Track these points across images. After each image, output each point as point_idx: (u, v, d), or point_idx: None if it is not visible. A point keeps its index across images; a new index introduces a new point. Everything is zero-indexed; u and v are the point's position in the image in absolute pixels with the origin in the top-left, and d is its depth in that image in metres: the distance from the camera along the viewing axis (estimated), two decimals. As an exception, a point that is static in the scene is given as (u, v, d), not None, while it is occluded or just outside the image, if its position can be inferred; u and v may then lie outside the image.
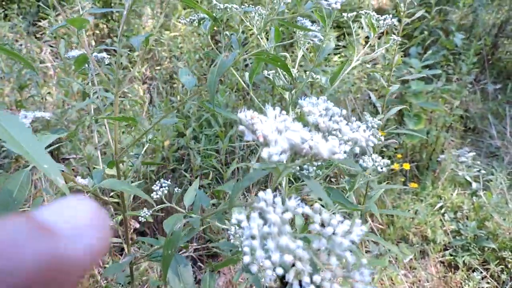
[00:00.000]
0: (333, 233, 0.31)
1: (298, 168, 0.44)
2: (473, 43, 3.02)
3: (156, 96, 3.26)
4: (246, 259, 0.31)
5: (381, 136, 0.79)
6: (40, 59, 3.37)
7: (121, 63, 3.30)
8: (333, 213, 0.33)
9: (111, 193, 1.53)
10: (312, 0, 0.56)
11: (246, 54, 0.64)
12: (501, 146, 3.91)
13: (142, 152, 0.98)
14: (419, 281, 2.22)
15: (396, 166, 2.63)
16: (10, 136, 0.36)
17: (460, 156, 2.64)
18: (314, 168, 0.65)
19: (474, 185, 2.60)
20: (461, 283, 2.16)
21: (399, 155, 2.82)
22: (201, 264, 2.38)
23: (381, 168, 0.71)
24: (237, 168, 2.21)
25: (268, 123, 0.36)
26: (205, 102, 0.73)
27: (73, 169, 2.43)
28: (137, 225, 2.05)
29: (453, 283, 2.18)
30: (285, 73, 0.78)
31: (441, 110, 2.92)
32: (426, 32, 3.55)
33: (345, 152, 0.38)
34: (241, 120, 0.36)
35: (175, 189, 0.79)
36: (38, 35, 3.87)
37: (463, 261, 2.26)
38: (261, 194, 0.33)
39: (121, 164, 1.78)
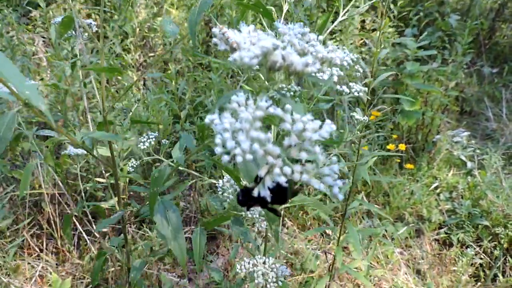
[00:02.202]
0: (303, 129, 0.32)
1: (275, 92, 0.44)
2: (468, 23, 3.01)
3: (152, 83, 3.25)
4: (218, 150, 0.32)
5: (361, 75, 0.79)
6: (32, 50, 3.35)
7: (114, 51, 3.28)
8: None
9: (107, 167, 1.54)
10: None
11: None
12: (496, 129, 3.93)
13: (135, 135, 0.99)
14: (414, 258, 2.25)
15: (391, 147, 2.64)
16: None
17: (455, 136, 2.66)
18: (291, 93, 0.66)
19: (469, 164, 2.62)
20: (455, 260, 2.19)
21: (394, 136, 2.84)
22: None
23: (357, 93, 0.72)
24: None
25: (242, 35, 0.36)
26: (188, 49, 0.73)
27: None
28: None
29: (447, 259, 2.21)
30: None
31: (437, 92, 2.92)
32: (422, 14, 3.54)
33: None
34: (215, 33, 0.37)
35: (163, 141, 0.80)
36: (29, 27, 3.84)
37: (457, 238, 2.29)
38: (233, 97, 0.34)
39: (120, 153, 1.79)
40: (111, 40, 3.36)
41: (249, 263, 0.81)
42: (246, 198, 0.38)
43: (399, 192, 2.58)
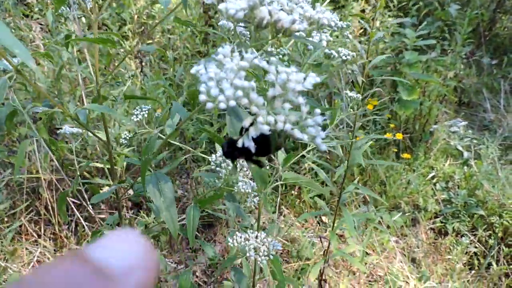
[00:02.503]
0: (287, 80, 0.32)
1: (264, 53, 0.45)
2: (467, 12, 2.99)
3: (149, 71, 3.24)
4: (202, 97, 0.33)
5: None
6: (30, 37, 3.32)
7: (113, 38, 3.26)
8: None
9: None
10: None
11: None
12: (494, 120, 3.94)
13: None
14: (410, 247, 2.27)
15: (389, 136, 2.65)
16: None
17: (452, 126, 2.66)
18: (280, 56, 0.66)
19: (466, 154, 2.63)
20: (450, 248, 2.21)
21: (392, 125, 2.84)
22: (197, 233, 2.41)
23: (345, 57, 0.72)
24: (227, 133, 2.21)
25: None
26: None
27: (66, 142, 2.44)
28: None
29: (442, 248, 2.23)
30: None
31: (435, 82, 2.92)
32: (421, 3, 3.52)
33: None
34: None
35: (156, 113, 0.80)
36: (27, 12, 3.80)
37: (453, 227, 2.31)
38: (219, 48, 0.35)
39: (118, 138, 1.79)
40: (109, 28, 3.34)
41: (241, 237, 0.83)
42: (231, 149, 0.39)
43: (396, 181, 2.59)
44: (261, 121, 0.32)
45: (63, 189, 2.36)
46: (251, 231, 0.82)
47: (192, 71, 0.35)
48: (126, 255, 0.19)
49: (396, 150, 2.85)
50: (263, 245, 0.79)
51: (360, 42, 3.50)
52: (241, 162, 0.80)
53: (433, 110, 3.11)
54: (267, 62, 0.33)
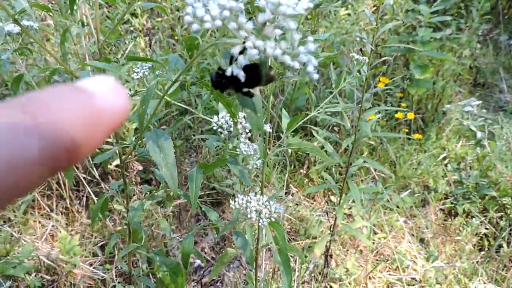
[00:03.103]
0: (278, 4, 0.31)
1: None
2: (486, -12, 2.88)
3: (159, 49, 3.22)
4: (187, 18, 0.32)
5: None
6: (41, 16, 3.31)
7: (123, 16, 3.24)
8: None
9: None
10: None
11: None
12: (510, 101, 3.84)
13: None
14: (419, 227, 2.25)
15: (400, 116, 2.61)
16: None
17: (466, 106, 2.60)
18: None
19: (479, 134, 2.57)
20: (459, 229, 2.19)
21: (403, 104, 2.79)
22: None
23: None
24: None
25: None
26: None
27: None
28: (140, 167, 2.09)
29: (451, 229, 2.21)
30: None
31: (449, 60, 2.84)
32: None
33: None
34: None
35: (157, 72, 0.79)
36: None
37: (463, 208, 2.28)
38: None
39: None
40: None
41: (242, 199, 0.82)
42: (219, 79, 0.37)
43: (406, 161, 2.56)
44: (250, 46, 0.31)
45: (76, 166, 2.39)
46: (253, 193, 0.82)
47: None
48: (105, 84, 0.24)
49: (407, 130, 2.81)
50: (265, 208, 0.79)
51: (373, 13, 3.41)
52: (243, 122, 0.79)
53: (447, 90, 3.04)
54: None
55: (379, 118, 1.15)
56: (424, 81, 2.74)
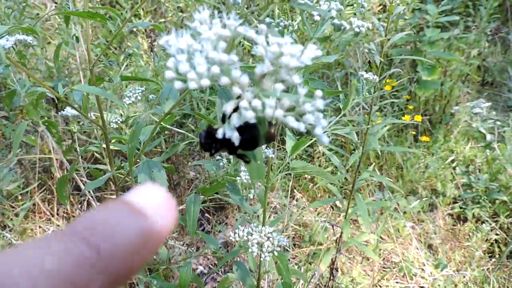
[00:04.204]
0: (280, 54, 0.26)
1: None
2: (495, -14, 2.81)
3: (161, 50, 3.18)
4: (169, 74, 0.27)
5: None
6: (46, 16, 3.29)
7: (125, 17, 3.20)
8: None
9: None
10: None
11: None
12: (519, 101, 3.76)
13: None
14: (427, 233, 2.20)
15: (407, 118, 2.55)
16: None
17: (474, 107, 2.53)
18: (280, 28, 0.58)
19: (488, 137, 2.51)
20: (469, 235, 2.13)
21: (410, 107, 2.73)
22: (208, 216, 2.39)
23: (358, 28, 0.64)
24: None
25: None
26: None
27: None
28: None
29: (460, 234, 2.15)
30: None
31: (457, 60, 2.77)
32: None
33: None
34: None
35: (150, 96, 0.75)
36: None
37: (473, 213, 2.22)
38: (196, 14, 0.28)
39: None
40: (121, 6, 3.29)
41: (243, 231, 0.77)
42: (209, 141, 0.32)
43: (413, 165, 2.50)
44: (246, 106, 0.25)
45: (76, 169, 2.35)
46: (255, 224, 0.77)
47: (160, 42, 0.29)
48: (156, 200, 0.24)
49: (414, 132, 2.75)
50: (267, 240, 0.74)
51: (378, 19, 3.35)
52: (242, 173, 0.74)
53: (455, 91, 2.98)
54: (256, 32, 0.27)
55: (387, 129, 1.11)
56: (431, 82, 2.67)
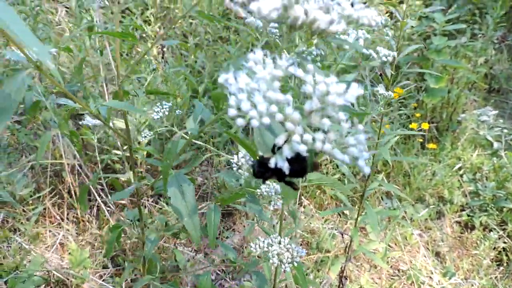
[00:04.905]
0: (327, 93, 0.29)
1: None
2: (502, -5, 2.83)
3: (170, 56, 3.22)
4: (231, 112, 0.29)
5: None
6: (55, 20, 3.33)
7: (136, 22, 3.25)
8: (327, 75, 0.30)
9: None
10: None
11: None
12: (526, 108, 3.76)
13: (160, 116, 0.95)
14: (434, 240, 2.20)
15: (414, 126, 2.56)
16: (2, 21, 0.35)
17: (481, 115, 2.54)
18: (312, 57, 0.61)
19: (496, 144, 2.51)
20: (476, 243, 2.13)
21: (417, 114, 2.74)
22: (215, 221, 2.41)
23: (386, 58, 0.66)
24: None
25: None
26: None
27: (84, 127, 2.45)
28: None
29: (468, 242, 2.16)
30: None
31: (464, 68, 2.79)
32: (451, -14, 3.35)
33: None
34: None
35: (177, 111, 0.77)
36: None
37: (480, 221, 2.22)
38: (250, 54, 0.31)
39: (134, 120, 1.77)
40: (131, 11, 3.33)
41: (263, 242, 0.79)
42: (262, 170, 0.35)
43: (420, 172, 2.51)
44: (297, 140, 0.28)
45: (86, 174, 2.38)
46: (274, 236, 0.79)
47: (220, 79, 0.31)
48: None
49: (421, 140, 2.76)
50: (286, 251, 0.76)
51: (385, 27, 3.37)
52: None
53: (461, 98, 2.99)
54: (302, 67, 0.29)
55: (396, 137, 1.12)
56: (439, 90, 2.69)
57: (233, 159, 0.76)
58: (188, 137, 0.61)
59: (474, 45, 2.98)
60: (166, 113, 0.78)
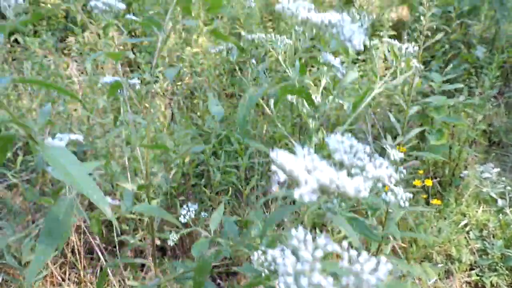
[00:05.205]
0: (361, 270, 0.32)
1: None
2: (495, 56, 2.96)
3: (177, 112, 3.31)
4: None
5: (401, 153, 0.79)
6: (67, 75, 3.47)
7: (144, 78, 3.38)
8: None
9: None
10: (336, 39, 0.57)
11: (273, 87, 0.66)
12: (527, 161, 3.80)
13: (171, 176, 0.99)
14: (444, 302, 2.15)
15: (418, 183, 2.58)
16: (63, 168, 0.38)
17: (484, 172, 2.57)
18: (338, 200, 0.65)
19: (500, 202, 2.52)
20: (488, 305, 2.09)
21: (420, 171, 2.77)
22: (220, 281, 2.37)
23: (403, 202, 0.70)
24: (256, 184, 2.21)
25: (298, 162, 0.37)
26: (236, 134, 0.74)
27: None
28: (158, 242, 2.07)
29: (480, 304, 2.11)
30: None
31: (464, 125, 2.86)
32: (447, 46, 3.51)
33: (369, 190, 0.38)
34: (273, 160, 0.37)
35: (201, 214, 0.80)
36: (65, 51, 3.99)
37: (490, 281, 2.19)
38: (293, 231, 0.34)
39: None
40: (141, 68, 3.47)
41: None
42: None
43: (426, 229, 2.50)
44: None
45: (90, 232, 2.37)
46: None
47: (269, 257, 0.36)
48: None
49: (425, 196, 2.77)
50: None
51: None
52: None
53: (463, 153, 3.03)
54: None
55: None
56: (440, 146, 2.74)
57: (252, 256, 0.77)
58: (210, 235, 0.65)
59: (472, 102, 3.07)
60: (193, 215, 0.81)
